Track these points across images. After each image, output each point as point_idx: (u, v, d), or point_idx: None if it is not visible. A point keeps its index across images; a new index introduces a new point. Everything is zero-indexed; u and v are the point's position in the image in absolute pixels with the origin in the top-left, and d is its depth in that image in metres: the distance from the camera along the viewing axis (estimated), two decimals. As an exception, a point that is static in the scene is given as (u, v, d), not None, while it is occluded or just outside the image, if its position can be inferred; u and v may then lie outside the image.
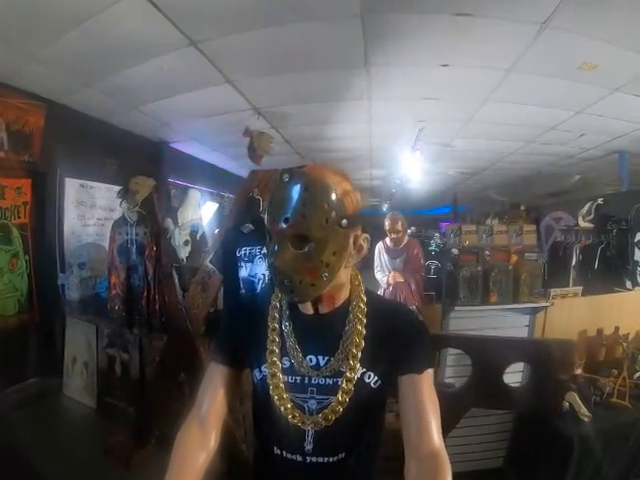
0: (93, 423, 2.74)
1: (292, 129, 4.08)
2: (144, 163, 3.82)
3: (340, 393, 0.76)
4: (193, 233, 2.46)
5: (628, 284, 3.71)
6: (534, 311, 2.13)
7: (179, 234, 2.25)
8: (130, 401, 2.65)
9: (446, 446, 0.72)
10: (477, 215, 8.91)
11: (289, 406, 0.77)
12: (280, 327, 0.82)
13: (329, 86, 2.97)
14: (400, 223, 3.31)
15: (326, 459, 0.77)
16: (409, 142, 4.26)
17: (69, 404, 2.97)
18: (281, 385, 0.78)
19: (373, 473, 0.83)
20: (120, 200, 2.33)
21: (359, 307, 0.81)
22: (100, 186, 3.66)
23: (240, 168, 5.37)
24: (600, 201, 4.26)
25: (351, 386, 0.76)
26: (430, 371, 0.77)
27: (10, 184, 2.94)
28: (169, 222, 2.30)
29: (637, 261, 3.69)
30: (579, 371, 2.14)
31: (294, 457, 0.78)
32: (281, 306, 0.84)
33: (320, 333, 0.80)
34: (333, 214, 0.72)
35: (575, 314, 2.40)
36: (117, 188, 2.65)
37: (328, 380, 0.78)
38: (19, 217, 3.02)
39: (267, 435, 0.82)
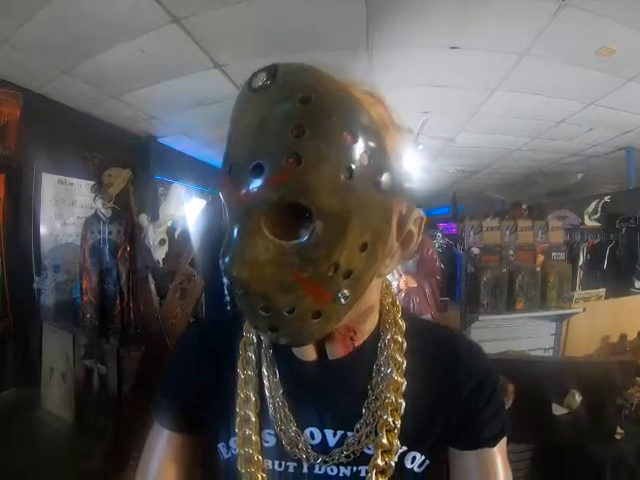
0: (69, 440, 2.49)
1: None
2: (126, 157, 3.60)
3: None
4: (171, 231, 2.18)
5: (637, 284, 3.61)
6: (561, 318, 1.90)
7: (154, 232, 1.98)
8: (108, 418, 2.39)
9: None
10: (476, 215, 8.75)
11: None
12: (259, 377, 0.48)
13: (328, 71, 2.74)
14: None
15: None
16: (411, 136, 4.06)
17: (46, 418, 2.71)
18: (261, 475, 0.46)
19: None
20: (94, 195, 2.09)
21: (395, 343, 0.47)
22: (80, 182, 3.39)
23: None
24: (607, 199, 4.16)
25: None
26: (505, 440, 0.49)
27: (-19, 180, 2.68)
28: (143, 218, 2.03)
29: (647, 261, 3.54)
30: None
31: None
32: (260, 341, 0.49)
33: (328, 391, 0.47)
34: (363, 160, 0.34)
35: (597, 318, 2.21)
36: (98, 185, 2.38)
37: (344, 470, 0.46)
38: (-9, 215, 2.76)
39: None
